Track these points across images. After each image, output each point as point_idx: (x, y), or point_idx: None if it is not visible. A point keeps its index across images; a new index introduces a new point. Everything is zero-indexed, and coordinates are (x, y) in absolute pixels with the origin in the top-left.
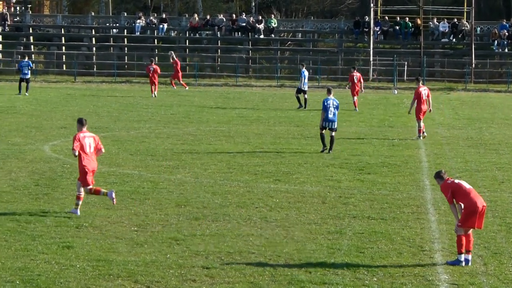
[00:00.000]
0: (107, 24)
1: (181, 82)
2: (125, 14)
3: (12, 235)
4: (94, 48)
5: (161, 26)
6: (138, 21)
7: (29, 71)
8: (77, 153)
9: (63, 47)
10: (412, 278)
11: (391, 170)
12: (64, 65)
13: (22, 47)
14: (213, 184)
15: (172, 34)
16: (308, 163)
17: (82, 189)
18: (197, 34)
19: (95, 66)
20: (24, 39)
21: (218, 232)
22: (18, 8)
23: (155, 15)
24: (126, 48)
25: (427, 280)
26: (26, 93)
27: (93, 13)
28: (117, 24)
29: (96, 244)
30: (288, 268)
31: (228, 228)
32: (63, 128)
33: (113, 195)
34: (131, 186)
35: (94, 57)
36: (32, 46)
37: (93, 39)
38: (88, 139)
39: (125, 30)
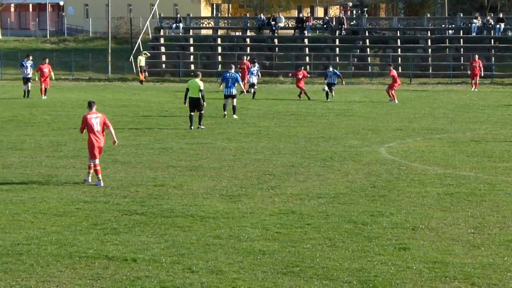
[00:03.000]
0: (443, 25)
1: None
2: (461, 15)
3: (349, 236)
4: (429, 50)
5: (498, 26)
6: (475, 21)
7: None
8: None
9: (399, 50)
10: None
11: None
12: (399, 67)
13: (358, 51)
14: None
15: (510, 34)
16: None
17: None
18: None
19: (430, 67)
20: (360, 42)
21: None
22: (354, 11)
23: (492, 15)
24: (461, 49)
25: None
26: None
27: (428, 15)
28: (453, 25)
29: (432, 246)
30: None
31: None
32: (399, 130)
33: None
34: (467, 188)
35: (429, 58)
36: (368, 49)
37: (429, 40)
38: (95, 119)
39: (461, 31)
